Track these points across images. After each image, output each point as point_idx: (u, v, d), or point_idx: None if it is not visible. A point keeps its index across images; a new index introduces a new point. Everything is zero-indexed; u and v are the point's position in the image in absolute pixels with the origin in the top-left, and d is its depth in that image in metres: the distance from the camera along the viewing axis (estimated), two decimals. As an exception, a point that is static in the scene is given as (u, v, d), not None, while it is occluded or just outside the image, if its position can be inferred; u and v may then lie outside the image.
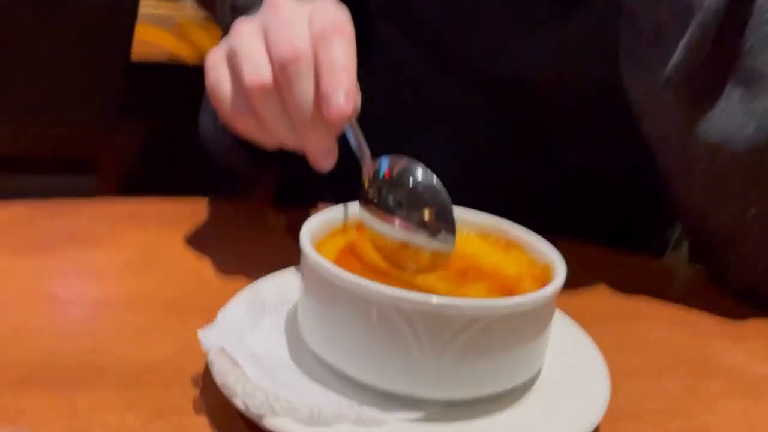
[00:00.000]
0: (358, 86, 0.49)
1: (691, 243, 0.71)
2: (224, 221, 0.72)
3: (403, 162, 0.49)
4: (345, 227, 0.50)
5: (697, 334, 0.59)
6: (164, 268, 0.60)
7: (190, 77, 0.84)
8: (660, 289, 0.65)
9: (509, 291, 0.45)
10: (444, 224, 0.47)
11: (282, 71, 0.48)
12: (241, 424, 0.40)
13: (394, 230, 0.48)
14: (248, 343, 0.43)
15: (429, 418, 0.40)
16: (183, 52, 1.73)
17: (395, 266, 0.47)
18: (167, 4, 1.96)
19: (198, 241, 0.65)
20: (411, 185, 0.48)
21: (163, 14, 1.89)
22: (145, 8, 1.57)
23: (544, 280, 0.45)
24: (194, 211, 0.73)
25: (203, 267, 0.61)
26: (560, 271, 0.45)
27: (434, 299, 0.39)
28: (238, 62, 0.49)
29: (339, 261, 0.46)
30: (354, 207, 0.50)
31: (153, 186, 0.76)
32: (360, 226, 0.50)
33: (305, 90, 0.48)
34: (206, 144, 0.71)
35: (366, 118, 0.52)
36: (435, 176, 0.48)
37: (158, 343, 0.48)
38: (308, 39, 0.48)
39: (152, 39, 1.75)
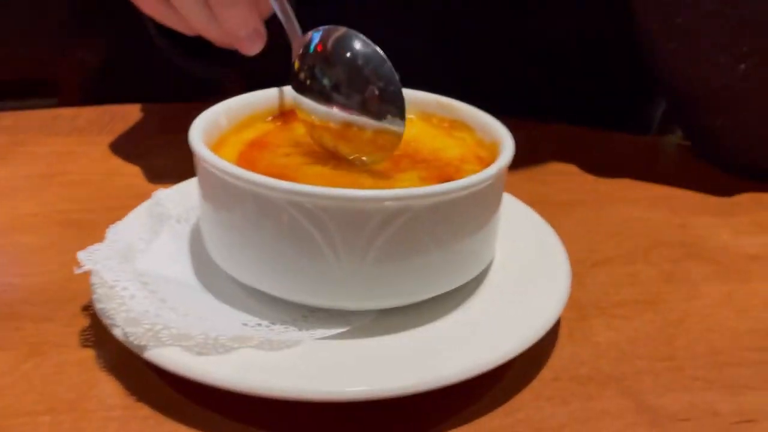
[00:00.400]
0: None
1: (675, 112, 0.63)
2: (150, 126, 0.64)
3: (338, 33, 0.40)
4: (262, 115, 0.43)
5: (676, 213, 0.52)
6: (69, 182, 0.52)
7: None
8: (639, 169, 0.58)
9: (447, 178, 0.37)
10: (390, 104, 0.39)
11: None
12: (135, 360, 0.33)
13: (332, 116, 0.40)
14: (138, 262, 0.36)
15: (356, 333, 0.34)
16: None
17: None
18: None
19: (115, 149, 0.58)
20: (348, 59, 0.39)
21: None
22: None
23: (490, 161, 0.38)
24: (114, 116, 0.65)
25: (116, 179, 0.53)
26: (507, 149, 0.37)
27: (340, 191, 0.31)
28: None
29: (245, 156, 0.39)
30: (275, 92, 0.43)
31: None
32: (289, 113, 0.43)
33: None
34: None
35: None
36: (377, 47, 0.39)
37: (46, 268, 0.41)
38: None
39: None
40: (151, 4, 0.45)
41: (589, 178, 0.57)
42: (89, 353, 0.35)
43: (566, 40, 0.68)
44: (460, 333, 0.35)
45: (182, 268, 0.37)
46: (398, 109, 0.39)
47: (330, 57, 0.40)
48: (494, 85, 0.59)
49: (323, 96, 0.40)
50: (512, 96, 0.61)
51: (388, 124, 0.39)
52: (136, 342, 0.31)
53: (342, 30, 0.40)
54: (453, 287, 0.36)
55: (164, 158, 0.56)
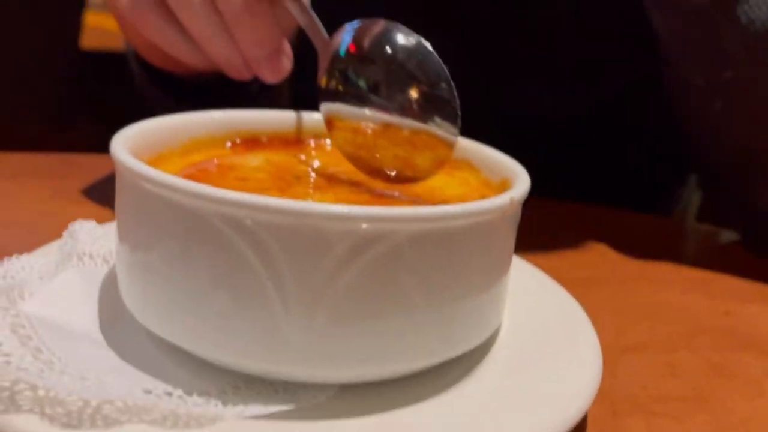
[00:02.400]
0: None
1: (715, 191, 0.56)
2: (105, 172, 0.56)
3: (375, 28, 0.33)
4: (219, 139, 0.35)
5: (719, 297, 0.43)
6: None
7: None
8: (670, 249, 0.51)
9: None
10: (440, 104, 0.32)
11: None
12: None
13: (371, 118, 0.33)
14: (26, 303, 0.27)
15: (303, 414, 0.24)
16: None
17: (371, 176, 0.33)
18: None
19: (58, 192, 0.50)
20: (387, 55, 0.32)
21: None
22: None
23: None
24: (67, 162, 0.57)
25: (52, 220, 0.44)
26: (521, 183, 0.29)
27: (291, 203, 0.23)
28: None
29: (186, 177, 0.30)
30: (241, 114, 0.36)
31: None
32: (253, 140, 0.36)
33: None
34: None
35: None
36: (422, 39, 0.32)
37: None
38: None
39: (104, 25, 1.62)
40: (153, 27, 0.39)
41: (614, 257, 0.48)
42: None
43: (587, 119, 0.62)
44: (449, 424, 0.25)
45: (82, 315, 0.28)
46: (449, 113, 0.32)
47: (365, 56, 0.33)
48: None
49: (360, 101, 0.33)
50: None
51: (437, 130, 0.32)
52: (-20, 405, 0.22)
53: (380, 23, 0.33)
54: (442, 360, 0.26)
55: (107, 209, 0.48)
